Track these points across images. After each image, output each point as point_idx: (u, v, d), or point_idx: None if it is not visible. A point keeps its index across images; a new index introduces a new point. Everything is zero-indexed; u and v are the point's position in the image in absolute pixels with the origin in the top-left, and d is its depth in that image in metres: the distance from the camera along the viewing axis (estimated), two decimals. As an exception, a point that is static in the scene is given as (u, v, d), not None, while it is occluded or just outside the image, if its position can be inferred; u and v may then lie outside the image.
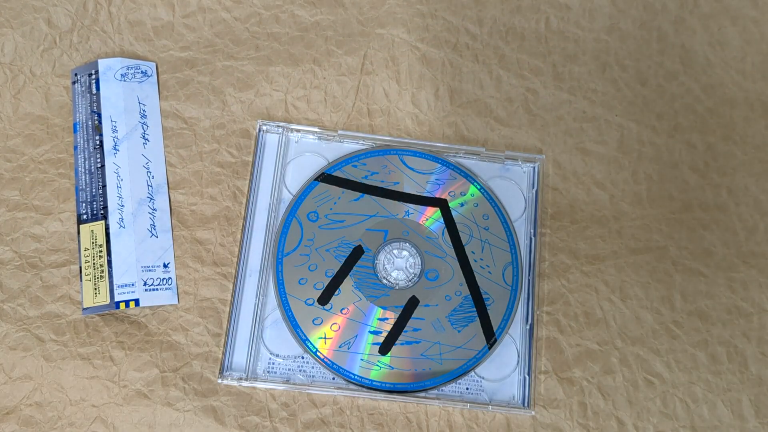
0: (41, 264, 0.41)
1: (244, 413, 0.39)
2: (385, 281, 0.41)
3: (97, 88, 0.43)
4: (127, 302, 0.40)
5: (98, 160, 0.42)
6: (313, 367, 0.40)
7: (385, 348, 0.40)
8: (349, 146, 0.44)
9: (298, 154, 0.43)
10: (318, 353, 0.40)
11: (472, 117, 0.45)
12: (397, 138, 0.44)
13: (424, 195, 0.43)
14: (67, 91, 0.43)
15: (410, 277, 0.42)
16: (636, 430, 0.40)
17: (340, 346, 0.40)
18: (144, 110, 0.43)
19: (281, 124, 0.43)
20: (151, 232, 0.41)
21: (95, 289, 0.40)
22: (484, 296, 0.41)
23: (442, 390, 0.40)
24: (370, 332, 0.41)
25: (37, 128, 0.43)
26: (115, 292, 0.40)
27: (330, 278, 0.41)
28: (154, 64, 0.44)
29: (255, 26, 0.45)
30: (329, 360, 0.40)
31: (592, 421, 0.40)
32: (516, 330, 0.41)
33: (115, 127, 0.42)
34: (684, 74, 0.46)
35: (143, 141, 0.43)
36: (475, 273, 0.42)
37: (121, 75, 0.43)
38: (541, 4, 0.46)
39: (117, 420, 0.39)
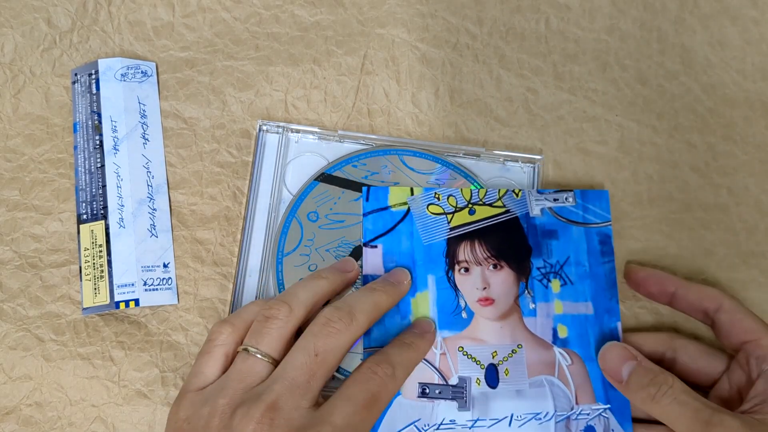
0: (41, 264, 0.41)
1: (244, 413, 0.39)
2: (385, 281, 0.41)
3: (97, 88, 0.43)
4: (127, 302, 0.40)
5: (98, 160, 0.42)
6: (313, 367, 0.40)
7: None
8: (349, 146, 0.43)
9: (298, 154, 0.43)
10: (318, 353, 0.40)
11: (472, 117, 0.45)
12: (397, 138, 0.44)
13: (424, 195, 0.43)
14: (67, 91, 0.43)
15: (410, 277, 0.41)
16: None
17: (340, 346, 0.40)
18: (144, 110, 0.43)
19: (281, 124, 0.43)
20: (151, 232, 0.41)
21: (95, 289, 0.40)
22: (484, 296, 0.41)
23: (442, 390, 0.40)
24: (370, 332, 0.40)
25: (37, 128, 0.43)
26: (115, 292, 0.40)
27: (330, 278, 0.41)
28: (154, 64, 0.44)
29: (255, 26, 0.45)
30: (329, 360, 0.40)
31: (592, 421, 0.40)
32: (516, 330, 0.41)
33: (115, 127, 0.42)
34: (684, 74, 0.46)
35: (143, 141, 0.43)
36: (475, 273, 0.42)
37: (121, 75, 0.43)
38: (541, 4, 0.46)
39: (117, 420, 0.39)
